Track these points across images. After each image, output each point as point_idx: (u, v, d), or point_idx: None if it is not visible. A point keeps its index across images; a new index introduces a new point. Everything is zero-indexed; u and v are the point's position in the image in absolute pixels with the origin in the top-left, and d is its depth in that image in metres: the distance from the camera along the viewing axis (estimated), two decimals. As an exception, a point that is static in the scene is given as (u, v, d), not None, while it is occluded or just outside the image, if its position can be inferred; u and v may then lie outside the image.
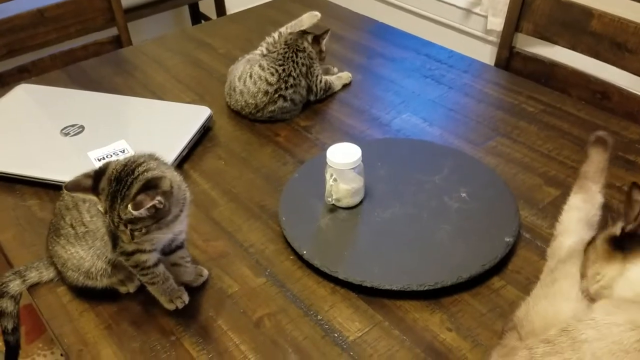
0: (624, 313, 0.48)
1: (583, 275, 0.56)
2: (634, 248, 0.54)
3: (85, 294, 0.73)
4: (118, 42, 1.52)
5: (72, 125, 0.98)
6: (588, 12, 1.13)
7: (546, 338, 0.48)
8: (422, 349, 0.65)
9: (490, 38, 1.86)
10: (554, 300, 0.56)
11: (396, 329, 0.68)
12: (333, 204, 0.82)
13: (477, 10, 1.87)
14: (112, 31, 1.52)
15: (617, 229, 0.56)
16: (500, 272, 0.73)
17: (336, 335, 0.67)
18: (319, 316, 0.69)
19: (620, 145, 0.93)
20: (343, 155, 0.80)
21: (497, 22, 1.75)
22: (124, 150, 0.91)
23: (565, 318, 0.49)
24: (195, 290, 0.73)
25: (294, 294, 0.72)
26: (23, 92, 1.09)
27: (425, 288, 0.70)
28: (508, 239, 0.75)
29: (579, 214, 0.67)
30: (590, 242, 0.58)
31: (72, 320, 0.70)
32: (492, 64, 1.27)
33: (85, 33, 1.49)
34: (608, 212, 0.67)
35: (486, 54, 1.85)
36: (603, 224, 0.65)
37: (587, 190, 0.70)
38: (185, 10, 2.55)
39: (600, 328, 0.47)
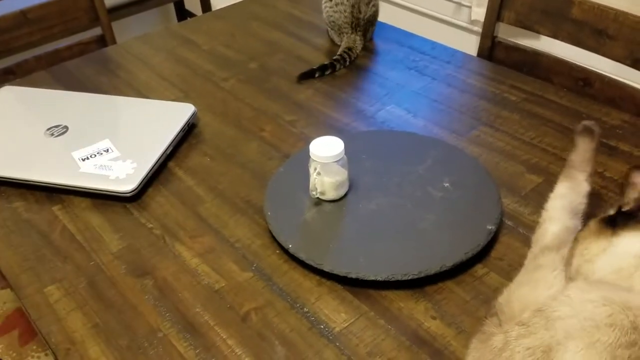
0: (599, 290, 0.49)
1: (568, 263, 0.57)
2: (624, 225, 0.55)
3: (72, 293, 0.73)
4: (103, 42, 1.52)
5: (56, 126, 0.98)
6: (568, 0, 1.13)
7: (520, 320, 0.49)
8: (407, 337, 0.66)
9: (475, 28, 1.86)
10: (535, 287, 0.57)
11: (382, 318, 0.69)
12: (318, 198, 0.83)
13: (460, 0, 1.87)
14: (97, 31, 1.51)
15: (611, 210, 0.57)
16: (483, 260, 0.74)
17: (322, 326, 0.68)
18: (305, 308, 0.70)
19: (602, 132, 0.94)
20: (326, 149, 0.80)
21: (481, 13, 1.75)
22: (107, 150, 0.92)
23: (542, 301, 0.50)
24: (182, 287, 0.73)
25: (280, 287, 0.73)
26: (7, 94, 1.08)
27: (410, 277, 0.71)
28: (490, 227, 0.76)
29: (563, 202, 0.68)
30: (583, 229, 0.59)
31: (60, 319, 0.70)
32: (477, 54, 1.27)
33: (69, 34, 1.49)
34: (604, 201, 0.67)
35: (471, 45, 1.86)
36: (596, 211, 0.66)
37: (573, 179, 0.71)
38: (171, 8, 2.55)
39: (574, 304, 0.48)
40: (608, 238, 0.54)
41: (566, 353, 0.44)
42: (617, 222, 0.55)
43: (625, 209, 0.55)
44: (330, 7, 1.19)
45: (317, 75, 1.14)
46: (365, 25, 1.19)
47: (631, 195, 0.55)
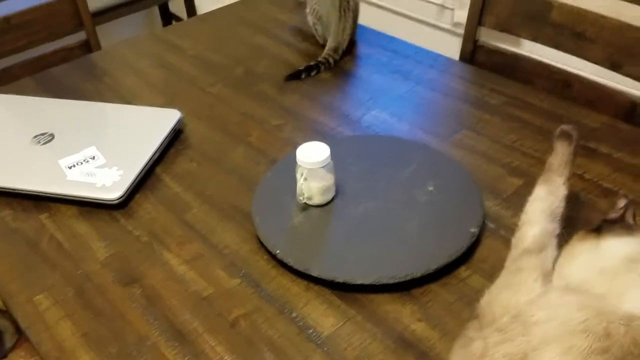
0: (575, 295, 0.50)
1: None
2: (609, 230, 0.58)
3: (61, 301, 0.74)
4: (87, 47, 1.52)
5: (42, 134, 0.98)
6: (548, 3, 1.16)
7: (499, 327, 0.50)
8: (394, 340, 0.67)
9: (458, 30, 1.88)
10: (517, 290, 0.58)
11: (369, 322, 0.70)
12: (305, 203, 0.84)
13: (443, 3, 1.89)
14: (82, 36, 1.51)
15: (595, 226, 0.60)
16: (466, 262, 0.76)
17: (311, 331, 0.69)
18: (293, 314, 0.71)
19: (581, 134, 0.96)
20: (312, 154, 0.81)
21: (463, 15, 1.77)
22: (94, 157, 0.92)
23: (521, 305, 0.51)
24: (170, 294, 0.74)
25: (268, 293, 0.74)
26: (-9, 102, 1.08)
27: (396, 281, 0.73)
28: (473, 230, 0.78)
29: (542, 205, 0.70)
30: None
31: (49, 328, 0.71)
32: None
33: (53, 38, 1.48)
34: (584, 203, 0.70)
35: (455, 47, 1.87)
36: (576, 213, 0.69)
37: (552, 183, 0.72)
38: (156, 11, 2.54)
39: (551, 309, 0.49)
40: (593, 240, 0.56)
41: (542, 359, 0.46)
42: (602, 228, 0.57)
43: (609, 217, 0.57)
44: (316, 3, 1.20)
45: (303, 76, 1.15)
46: (354, 11, 1.21)
47: (612, 213, 0.58)
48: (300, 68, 1.15)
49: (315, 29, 1.25)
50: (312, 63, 1.16)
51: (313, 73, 1.16)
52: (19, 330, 0.76)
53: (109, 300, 0.74)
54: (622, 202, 0.65)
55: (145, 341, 0.69)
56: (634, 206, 0.66)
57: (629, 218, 0.60)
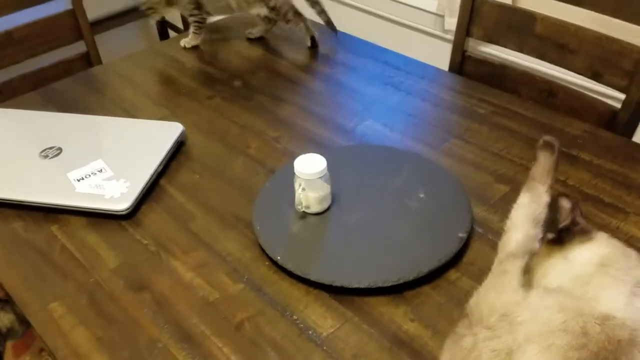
0: (555, 297, 0.55)
1: (526, 272, 0.64)
2: (570, 239, 0.62)
3: (75, 309, 0.78)
4: (87, 59, 1.56)
5: (50, 148, 1.02)
6: (531, 16, 1.21)
7: (488, 325, 0.55)
8: (388, 340, 0.72)
9: (449, 37, 1.94)
10: (502, 291, 0.63)
11: (365, 323, 0.75)
12: (303, 211, 0.88)
13: (434, 10, 1.94)
14: (81, 48, 1.55)
15: (550, 235, 0.64)
16: (456, 265, 0.81)
17: (311, 332, 0.74)
18: (294, 316, 0.76)
19: (564, 141, 1.02)
20: (310, 166, 0.86)
21: (454, 23, 1.83)
22: (101, 170, 0.96)
23: (507, 305, 0.56)
24: (178, 300, 0.79)
25: (270, 297, 0.78)
26: (-1, 117, 1.12)
27: (390, 284, 0.77)
28: (462, 234, 0.83)
29: (525, 212, 0.75)
30: (534, 255, 0.66)
31: (65, 334, 0.75)
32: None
33: (53, 48, 1.52)
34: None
35: (446, 54, 1.93)
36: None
37: (535, 190, 0.77)
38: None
39: (533, 311, 0.54)
40: (561, 253, 0.61)
41: (525, 355, 0.51)
42: (563, 239, 0.62)
43: (562, 225, 0.62)
44: None
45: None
46: None
47: (564, 215, 0.63)
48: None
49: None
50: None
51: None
52: (26, 322, 0.80)
53: (121, 306, 0.78)
54: (567, 204, 0.67)
55: (156, 344, 0.73)
56: (579, 204, 0.70)
57: (580, 218, 0.65)
